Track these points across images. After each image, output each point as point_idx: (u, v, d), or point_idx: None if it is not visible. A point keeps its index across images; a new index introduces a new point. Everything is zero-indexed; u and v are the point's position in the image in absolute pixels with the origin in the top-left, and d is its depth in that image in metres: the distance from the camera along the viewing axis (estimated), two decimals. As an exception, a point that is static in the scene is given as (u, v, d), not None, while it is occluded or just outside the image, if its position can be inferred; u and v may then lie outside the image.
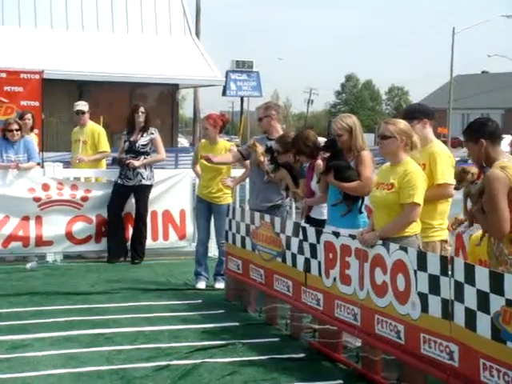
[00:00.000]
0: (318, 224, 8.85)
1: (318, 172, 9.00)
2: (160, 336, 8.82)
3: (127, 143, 13.31)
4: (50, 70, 18.97)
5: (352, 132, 8.65)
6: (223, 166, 11.31)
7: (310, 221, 9.20)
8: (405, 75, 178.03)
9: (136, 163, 13.03)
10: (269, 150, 10.12)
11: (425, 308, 6.57)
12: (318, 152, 9.17)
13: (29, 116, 14.09)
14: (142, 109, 13.46)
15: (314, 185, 9.29)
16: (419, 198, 7.36)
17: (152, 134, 13.38)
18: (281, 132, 10.70)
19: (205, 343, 8.51)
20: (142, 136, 13.26)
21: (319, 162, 9.16)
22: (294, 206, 12.75)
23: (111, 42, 29.45)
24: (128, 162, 13.03)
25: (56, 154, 14.04)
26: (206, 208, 11.64)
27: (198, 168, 11.74)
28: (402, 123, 7.66)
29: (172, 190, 13.88)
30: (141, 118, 13.30)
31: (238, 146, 13.27)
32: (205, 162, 11.20)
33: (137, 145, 13.19)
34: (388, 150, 7.62)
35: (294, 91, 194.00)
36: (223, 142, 11.69)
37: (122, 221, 13.56)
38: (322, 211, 9.22)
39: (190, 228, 13.87)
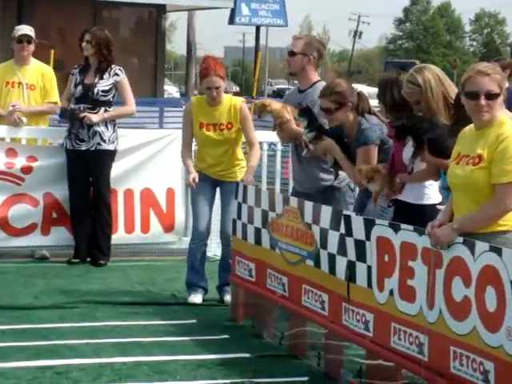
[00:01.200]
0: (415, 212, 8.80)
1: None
2: (136, 371, 8.80)
3: (80, 87, 13.34)
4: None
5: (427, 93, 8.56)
6: (234, 134, 11.32)
7: (400, 207, 9.11)
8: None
9: (94, 118, 13.08)
10: (305, 112, 10.07)
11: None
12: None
13: None
14: (87, 35, 13.46)
15: (406, 155, 9.18)
16: None
17: (116, 74, 13.42)
18: (316, 79, 10.74)
19: (201, 383, 8.54)
20: (101, 78, 13.30)
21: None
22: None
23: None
24: (83, 115, 13.05)
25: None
26: (211, 189, 11.60)
27: (188, 156, 11.59)
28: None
29: (155, 160, 13.98)
30: (87, 49, 13.34)
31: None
32: (209, 134, 11.30)
33: (95, 90, 13.22)
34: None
35: (334, 19, 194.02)
36: (228, 98, 11.55)
37: (87, 203, 13.63)
38: (423, 192, 9.09)
39: (180, 215, 14.00)
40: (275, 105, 10.40)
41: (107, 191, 13.48)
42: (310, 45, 10.75)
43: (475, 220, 7.32)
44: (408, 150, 8.92)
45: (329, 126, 10.05)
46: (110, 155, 13.42)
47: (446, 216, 7.73)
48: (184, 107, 12.39)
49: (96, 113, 13.04)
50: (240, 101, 11.50)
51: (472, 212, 7.36)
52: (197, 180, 11.00)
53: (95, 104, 13.08)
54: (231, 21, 29.00)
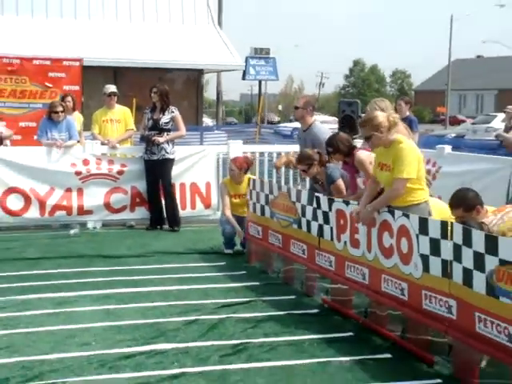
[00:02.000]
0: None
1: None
2: (190, 294, 8.95)
3: (151, 121, 13.33)
4: (88, 58, 19.08)
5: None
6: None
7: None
8: (407, 60, 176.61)
9: (160, 139, 13.09)
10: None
11: (426, 268, 6.71)
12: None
13: (69, 99, 14.14)
14: (154, 89, 13.49)
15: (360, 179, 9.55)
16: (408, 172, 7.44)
17: (173, 112, 13.37)
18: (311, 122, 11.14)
19: (229, 300, 8.63)
20: (163, 114, 13.28)
21: (359, 152, 9.34)
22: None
23: (142, 31, 29.50)
24: (153, 138, 13.10)
25: (87, 134, 14.06)
26: None
27: (229, 213, 11.41)
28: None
29: (198, 165, 13.90)
30: (154, 97, 13.36)
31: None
32: (236, 201, 11.49)
33: (160, 122, 13.22)
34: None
35: (306, 75, 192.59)
36: (247, 178, 11.45)
37: (158, 192, 13.56)
38: None
39: (214, 198, 13.91)
40: (291, 158, 10.80)
41: (170, 185, 13.44)
42: (307, 102, 11.22)
43: (384, 200, 7.54)
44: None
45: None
46: (171, 162, 13.40)
47: (366, 201, 7.78)
48: (220, 183, 12.39)
49: (161, 136, 13.07)
50: (248, 178, 11.45)
51: (382, 195, 7.62)
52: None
53: (160, 131, 13.10)
54: (243, 77, 28.94)
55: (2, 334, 7.38)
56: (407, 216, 7.03)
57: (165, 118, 13.28)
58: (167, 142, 13.25)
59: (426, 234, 6.68)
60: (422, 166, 7.75)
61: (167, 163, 13.40)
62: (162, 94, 13.41)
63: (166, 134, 13.24)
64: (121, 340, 7.21)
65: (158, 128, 13.24)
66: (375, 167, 7.88)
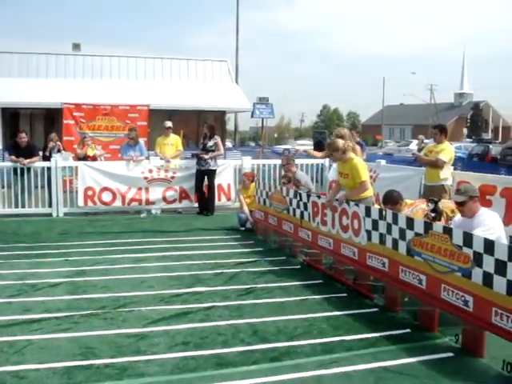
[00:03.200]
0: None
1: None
2: (217, 255, 8.90)
3: (202, 145, 13.25)
4: (153, 104, 19.08)
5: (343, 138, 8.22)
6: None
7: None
8: (357, 104, 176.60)
9: (206, 156, 13.02)
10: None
11: (369, 238, 6.69)
12: None
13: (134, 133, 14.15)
14: (205, 124, 13.60)
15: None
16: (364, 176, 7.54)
17: (215, 139, 13.26)
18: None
19: (242, 260, 8.57)
20: (209, 140, 13.18)
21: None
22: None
23: (186, 86, 29.59)
24: (201, 156, 13.04)
25: (152, 152, 14.10)
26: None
27: (246, 208, 11.23)
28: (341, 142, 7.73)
29: (223, 172, 13.74)
30: (205, 129, 13.33)
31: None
32: (247, 200, 11.31)
33: (207, 146, 13.10)
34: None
35: (293, 115, 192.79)
36: (253, 185, 11.31)
37: (202, 190, 13.36)
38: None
39: (232, 194, 13.76)
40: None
41: (213, 185, 13.29)
42: (288, 160, 10.77)
43: (349, 195, 7.49)
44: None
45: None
46: (214, 171, 13.27)
47: (333, 195, 7.84)
48: (237, 189, 12.48)
49: (207, 154, 13.02)
50: (254, 184, 11.36)
51: (347, 192, 7.58)
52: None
53: (207, 151, 13.04)
54: (252, 116, 28.82)
55: (101, 279, 7.43)
56: (357, 205, 7.05)
57: (210, 143, 13.15)
58: (211, 158, 13.13)
59: (369, 216, 6.68)
60: (367, 173, 7.78)
61: (212, 172, 13.27)
62: (210, 127, 13.46)
63: (210, 153, 13.11)
64: (173, 285, 7.21)
65: (205, 149, 13.15)
66: (338, 175, 7.92)
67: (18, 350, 5.07)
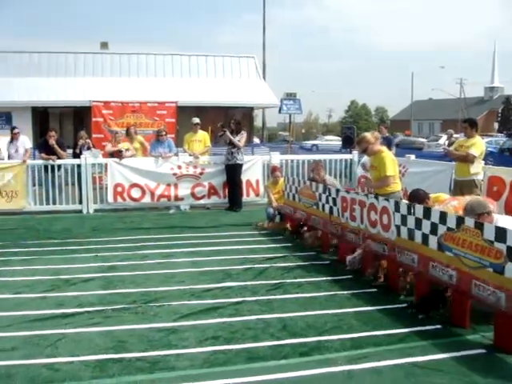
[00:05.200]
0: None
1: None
2: (246, 251, 8.93)
3: (229, 140, 13.26)
4: (181, 101, 19.24)
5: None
6: None
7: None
8: (386, 99, 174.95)
9: (226, 131, 13.16)
10: None
11: (398, 233, 6.67)
12: None
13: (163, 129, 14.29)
14: (233, 120, 13.66)
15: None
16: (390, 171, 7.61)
17: (242, 133, 13.33)
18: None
19: (271, 255, 8.58)
20: (236, 135, 13.22)
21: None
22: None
23: (215, 83, 29.72)
24: (223, 130, 13.21)
25: (180, 149, 14.17)
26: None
27: (275, 203, 11.18)
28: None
29: (251, 168, 13.79)
30: (232, 126, 13.36)
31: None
32: (275, 196, 11.27)
33: (234, 142, 13.16)
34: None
35: (319, 110, 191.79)
36: (281, 180, 11.30)
37: (233, 185, 13.37)
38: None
39: (261, 190, 13.79)
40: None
41: (240, 180, 13.33)
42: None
43: (373, 186, 7.78)
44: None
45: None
46: (240, 166, 13.32)
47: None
48: (265, 186, 12.62)
49: (234, 147, 13.11)
50: (282, 180, 11.39)
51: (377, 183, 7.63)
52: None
53: (233, 145, 13.11)
54: (279, 112, 28.77)
55: (131, 274, 7.53)
56: (387, 200, 7.02)
57: (237, 138, 13.19)
58: (238, 152, 13.19)
59: (399, 211, 6.65)
60: (396, 168, 7.76)
61: (238, 167, 13.30)
62: (237, 123, 13.52)
63: (234, 136, 13.17)
64: (203, 280, 7.26)
65: (231, 143, 13.19)
66: (369, 168, 8.00)
67: (51, 344, 5.18)
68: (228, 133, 13.15)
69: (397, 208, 6.70)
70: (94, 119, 17.70)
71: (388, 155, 7.71)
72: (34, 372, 4.60)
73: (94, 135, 17.06)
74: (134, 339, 5.28)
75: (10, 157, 13.44)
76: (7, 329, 5.55)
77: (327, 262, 8.18)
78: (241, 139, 13.32)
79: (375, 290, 6.81)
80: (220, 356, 4.93)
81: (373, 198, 7.38)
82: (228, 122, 13.68)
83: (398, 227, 6.67)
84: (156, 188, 13.21)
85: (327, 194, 8.77)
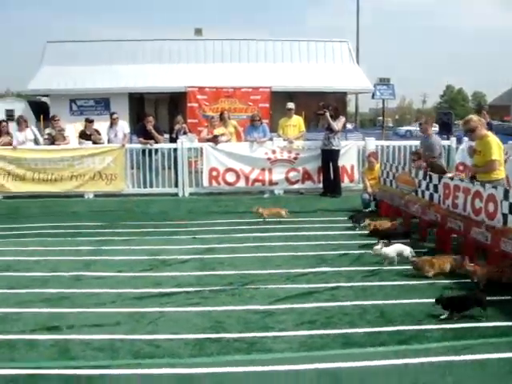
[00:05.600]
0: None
1: None
2: (341, 237, 8.84)
3: (326, 124, 13.22)
4: (274, 86, 19.28)
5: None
6: None
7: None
8: (483, 84, 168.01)
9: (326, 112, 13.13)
10: None
11: (505, 222, 6.42)
12: None
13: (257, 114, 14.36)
14: (330, 107, 13.48)
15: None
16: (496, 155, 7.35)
17: (340, 118, 13.25)
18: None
19: (367, 242, 8.34)
20: (334, 120, 13.10)
21: None
22: None
23: (307, 68, 29.54)
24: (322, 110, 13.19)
25: (274, 134, 14.20)
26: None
27: (370, 189, 11.06)
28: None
29: (346, 153, 13.65)
30: (327, 113, 13.21)
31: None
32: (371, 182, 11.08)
33: (332, 125, 13.07)
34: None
35: (414, 95, 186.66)
36: (377, 166, 11.17)
37: (329, 171, 13.31)
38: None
39: (356, 176, 13.67)
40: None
41: (337, 166, 13.21)
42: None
43: (477, 171, 7.56)
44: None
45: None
46: (337, 151, 13.21)
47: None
48: (361, 172, 12.59)
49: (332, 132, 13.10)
50: (378, 165, 11.23)
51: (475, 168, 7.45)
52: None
53: (331, 131, 13.07)
54: (372, 97, 28.40)
55: (227, 257, 7.67)
56: (495, 187, 6.77)
57: (335, 123, 13.10)
58: (334, 138, 13.09)
59: (508, 199, 6.39)
60: (502, 154, 7.50)
61: (334, 152, 13.21)
62: (334, 108, 13.46)
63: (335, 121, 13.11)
64: (298, 264, 7.29)
65: (329, 128, 13.14)
66: (472, 153, 7.78)
67: (151, 321, 5.36)
68: (328, 115, 13.06)
69: (506, 196, 6.44)
70: (189, 104, 18.08)
71: (494, 140, 7.44)
72: (136, 347, 4.78)
73: (188, 120, 17.43)
74: (232, 320, 5.37)
75: (109, 141, 14.00)
76: (111, 305, 5.83)
77: (425, 251, 7.96)
78: (338, 124, 13.18)
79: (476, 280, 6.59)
80: (317, 340, 4.92)
81: (479, 185, 7.13)
82: (325, 107, 13.54)
83: (504, 216, 6.41)
84: (250, 172, 13.38)
85: (428, 180, 8.55)
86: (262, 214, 10.10)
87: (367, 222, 9.00)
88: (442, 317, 5.35)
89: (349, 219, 9.19)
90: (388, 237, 8.05)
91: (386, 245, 7.44)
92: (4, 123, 14.30)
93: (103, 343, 4.85)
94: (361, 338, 4.95)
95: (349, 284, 6.45)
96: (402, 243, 7.64)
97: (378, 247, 7.34)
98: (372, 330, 5.13)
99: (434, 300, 5.52)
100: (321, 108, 13.46)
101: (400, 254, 7.29)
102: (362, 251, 7.87)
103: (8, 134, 13.98)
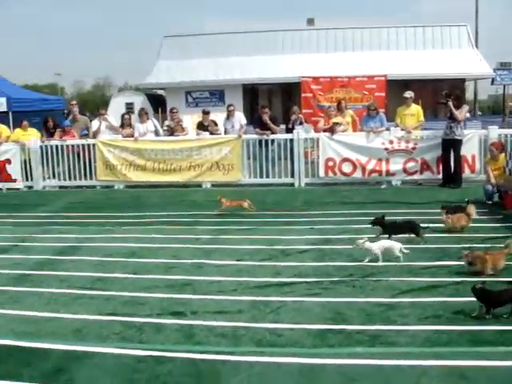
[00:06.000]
0: None
1: None
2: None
3: (448, 113, 12.79)
4: (390, 74, 18.87)
5: None
6: None
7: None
8: None
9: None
10: None
11: None
12: None
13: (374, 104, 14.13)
14: (452, 96, 13.00)
15: None
16: None
17: (463, 107, 12.92)
18: None
19: (491, 235, 8.01)
20: (457, 109, 12.65)
21: None
22: None
23: (423, 54, 28.62)
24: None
25: (391, 123, 13.89)
26: None
27: (493, 180, 10.59)
28: None
29: (467, 143, 13.06)
30: (450, 102, 12.72)
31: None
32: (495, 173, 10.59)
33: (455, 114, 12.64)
34: None
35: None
36: (502, 156, 10.72)
37: (449, 161, 12.88)
38: None
39: (477, 166, 13.09)
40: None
41: (459, 157, 12.77)
42: None
43: None
44: None
45: None
46: (459, 142, 12.76)
47: None
48: (484, 162, 12.01)
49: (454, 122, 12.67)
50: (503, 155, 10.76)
51: None
52: None
53: (453, 119, 12.70)
54: (492, 83, 27.08)
55: (346, 248, 7.49)
56: None
57: (458, 111, 12.68)
58: (457, 127, 12.64)
59: None
60: None
61: (456, 142, 12.75)
62: (457, 97, 13.11)
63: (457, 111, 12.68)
64: (420, 256, 7.02)
65: (451, 116, 12.72)
66: None
67: (273, 310, 5.42)
68: (451, 103, 12.63)
69: None
70: (303, 95, 18.10)
71: None
72: (259, 335, 4.86)
73: (303, 110, 17.46)
74: (353, 312, 5.33)
75: (226, 132, 14.31)
76: (233, 293, 5.96)
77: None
78: (461, 112, 12.71)
79: None
80: (442, 336, 4.77)
81: None
82: (448, 96, 13.09)
83: None
84: (367, 163, 13.20)
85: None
86: (222, 204, 9.99)
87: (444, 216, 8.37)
88: (473, 314, 5.14)
89: (441, 209, 8.75)
90: None
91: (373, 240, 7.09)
92: (127, 116, 15.02)
93: (226, 330, 4.97)
94: (489, 337, 4.74)
95: (474, 279, 6.17)
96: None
97: (361, 241, 6.82)
98: (502, 328, 4.89)
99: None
100: (443, 97, 13.04)
101: (389, 251, 6.84)
102: (488, 244, 7.48)
103: (130, 126, 14.65)
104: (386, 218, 7.87)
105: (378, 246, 6.85)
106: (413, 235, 7.61)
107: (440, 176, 13.09)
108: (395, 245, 6.90)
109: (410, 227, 7.65)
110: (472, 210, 8.53)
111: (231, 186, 13.52)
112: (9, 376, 4.24)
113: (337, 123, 13.36)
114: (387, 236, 7.52)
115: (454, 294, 5.75)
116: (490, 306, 5.10)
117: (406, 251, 6.87)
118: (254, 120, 14.61)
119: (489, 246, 7.44)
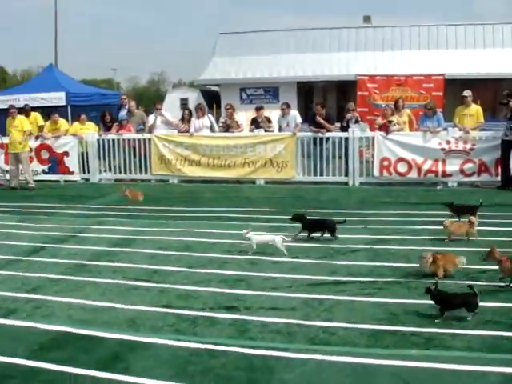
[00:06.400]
0: None
1: None
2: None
3: (509, 114, 12.48)
4: (448, 73, 18.53)
5: None
6: None
7: None
8: None
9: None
10: None
11: None
12: None
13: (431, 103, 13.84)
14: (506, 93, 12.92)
15: None
16: None
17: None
18: None
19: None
20: None
21: None
22: None
23: (482, 53, 28.08)
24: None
25: (449, 123, 13.61)
26: None
27: None
28: None
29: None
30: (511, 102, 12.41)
31: None
32: None
33: None
34: None
35: None
36: None
37: (508, 163, 12.55)
38: None
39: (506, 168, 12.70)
40: None
41: None
42: None
43: None
44: None
45: None
46: None
47: None
48: None
49: None
50: None
51: None
52: None
53: None
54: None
55: (400, 249, 7.45)
56: None
57: None
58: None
59: None
60: None
61: None
62: None
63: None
64: (477, 261, 6.85)
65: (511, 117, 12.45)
66: None
67: (326, 308, 5.40)
68: None
69: None
70: (359, 93, 17.88)
71: None
72: (312, 333, 4.84)
73: (358, 109, 17.23)
74: (407, 313, 5.25)
75: (280, 129, 14.30)
76: (287, 290, 5.96)
77: None
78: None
79: None
80: (502, 342, 4.65)
81: None
82: (509, 96, 12.77)
83: None
84: (423, 163, 12.99)
85: None
86: (126, 194, 11.14)
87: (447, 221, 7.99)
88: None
89: (446, 206, 8.65)
90: None
91: None
92: (187, 111, 15.17)
93: (280, 326, 4.97)
94: (555, 345, 4.59)
95: (533, 285, 6.01)
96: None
97: (245, 231, 7.18)
98: None
99: None
100: (505, 97, 12.71)
101: (272, 244, 7.15)
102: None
103: (189, 121, 14.81)
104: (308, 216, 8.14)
105: (258, 239, 7.26)
106: (328, 234, 7.95)
107: (498, 178, 12.77)
108: (276, 238, 7.17)
109: (327, 226, 7.93)
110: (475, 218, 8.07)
111: (285, 183, 13.51)
112: (66, 361, 4.36)
113: (391, 121, 13.18)
114: (307, 234, 7.99)
115: (510, 298, 5.58)
116: (444, 308, 5.14)
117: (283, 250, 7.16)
118: (308, 118, 14.57)
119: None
